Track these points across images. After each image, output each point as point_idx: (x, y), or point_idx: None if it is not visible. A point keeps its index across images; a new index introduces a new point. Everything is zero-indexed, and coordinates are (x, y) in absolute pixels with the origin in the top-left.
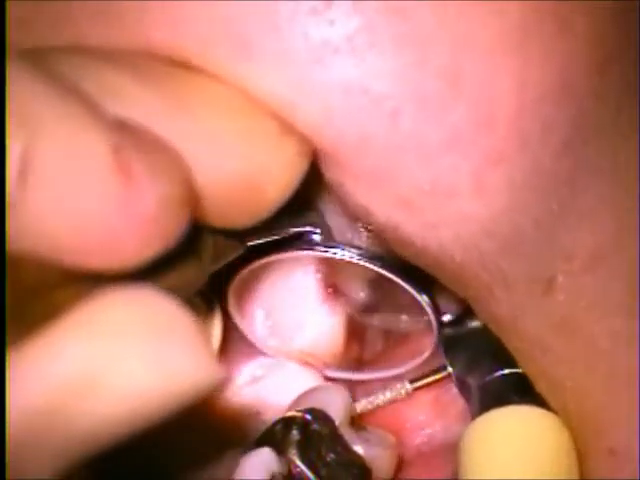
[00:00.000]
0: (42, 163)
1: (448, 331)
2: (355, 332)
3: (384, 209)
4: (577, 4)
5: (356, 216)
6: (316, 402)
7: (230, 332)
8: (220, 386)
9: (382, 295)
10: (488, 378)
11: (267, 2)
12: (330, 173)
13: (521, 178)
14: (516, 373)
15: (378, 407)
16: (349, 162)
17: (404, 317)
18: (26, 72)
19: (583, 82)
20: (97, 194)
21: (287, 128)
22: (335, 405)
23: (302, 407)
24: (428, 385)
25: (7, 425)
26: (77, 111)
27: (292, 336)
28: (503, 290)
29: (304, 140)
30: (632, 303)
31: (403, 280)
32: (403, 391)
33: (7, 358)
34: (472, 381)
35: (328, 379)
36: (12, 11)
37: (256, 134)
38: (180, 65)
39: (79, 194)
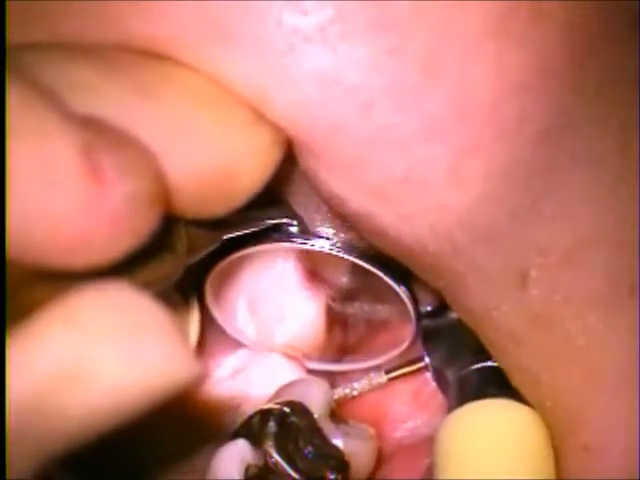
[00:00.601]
0: (12, 168)
1: (427, 322)
2: (335, 322)
3: (358, 199)
4: None
5: (330, 206)
6: (296, 395)
7: (210, 324)
8: (198, 381)
9: (362, 283)
10: (465, 371)
11: None
12: (304, 162)
13: (497, 169)
14: (494, 366)
15: (353, 397)
16: (323, 151)
17: (384, 306)
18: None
19: (561, 72)
20: (67, 194)
21: (260, 116)
22: (315, 398)
23: (282, 400)
24: (404, 375)
25: (7, 426)
26: (44, 110)
27: (273, 327)
28: (477, 282)
29: (277, 128)
30: (608, 299)
31: (380, 271)
32: (378, 381)
33: None
34: (449, 373)
35: (309, 371)
36: None
37: (228, 123)
38: (154, 55)
39: (50, 196)
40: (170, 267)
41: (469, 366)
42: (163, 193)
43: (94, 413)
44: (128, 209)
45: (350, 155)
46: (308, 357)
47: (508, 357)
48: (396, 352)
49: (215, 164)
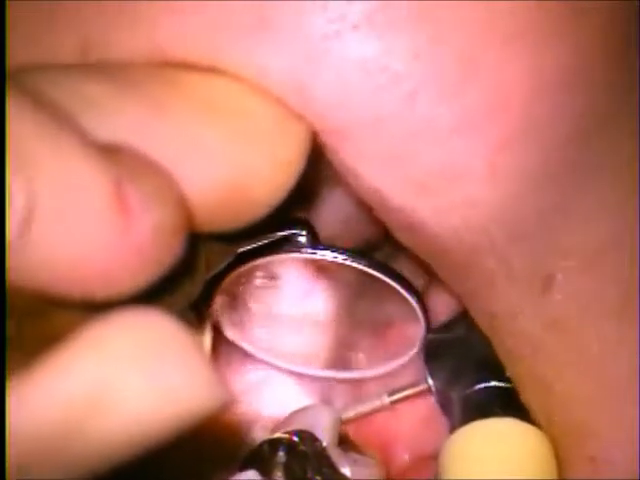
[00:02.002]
0: (44, 208)
1: (428, 343)
2: (343, 329)
3: (398, 192)
4: None
5: (366, 203)
6: (305, 422)
7: (220, 339)
8: (223, 407)
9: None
10: (469, 391)
11: None
12: (343, 156)
13: (530, 166)
14: (498, 386)
15: (355, 420)
16: (365, 143)
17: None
18: (14, 100)
19: (596, 70)
20: (95, 228)
21: (285, 121)
22: (323, 425)
23: (290, 427)
24: (407, 398)
25: (7, 428)
26: (72, 142)
27: (280, 334)
28: (505, 283)
29: (302, 136)
30: (623, 307)
31: (391, 279)
32: (381, 405)
33: (9, 381)
34: (452, 394)
35: (316, 379)
36: (11, 14)
37: (245, 136)
38: (178, 64)
39: (80, 233)
40: (190, 286)
41: (472, 386)
42: (186, 217)
43: (119, 439)
44: (154, 240)
45: (392, 147)
46: (315, 364)
47: (523, 365)
48: (402, 360)
49: (232, 179)
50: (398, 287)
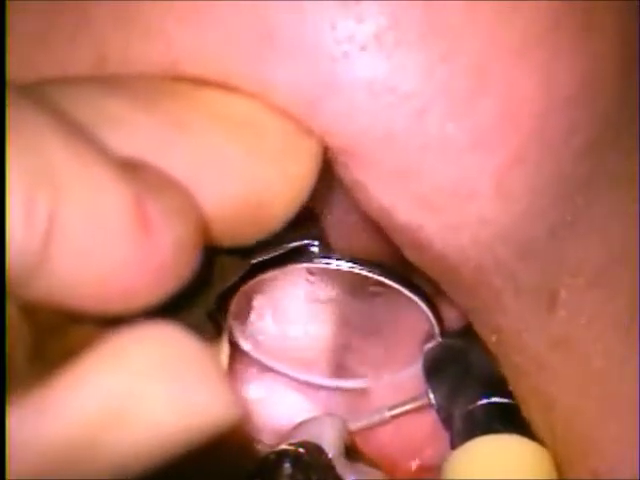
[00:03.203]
0: (66, 223)
1: (429, 358)
2: (349, 339)
3: (406, 210)
4: (604, 6)
5: (373, 220)
6: (310, 434)
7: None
8: (238, 422)
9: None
10: (471, 407)
11: None
12: (351, 173)
13: (542, 182)
14: (499, 402)
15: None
16: (373, 160)
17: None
18: (36, 115)
19: (608, 83)
20: (118, 247)
21: (297, 136)
22: (329, 437)
23: (296, 438)
24: (408, 412)
25: (7, 427)
26: (93, 159)
27: (285, 341)
28: (511, 300)
29: (314, 148)
30: (629, 324)
31: (405, 288)
32: (380, 419)
33: (29, 396)
34: (454, 409)
35: (322, 390)
36: (26, 28)
37: (260, 151)
38: (193, 78)
39: (101, 249)
40: (206, 298)
41: (474, 402)
42: (204, 232)
43: (136, 452)
44: (173, 256)
45: (400, 164)
46: (319, 371)
47: (527, 381)
48: (411, 370)
49: (247, 194)
50: (413, 296)
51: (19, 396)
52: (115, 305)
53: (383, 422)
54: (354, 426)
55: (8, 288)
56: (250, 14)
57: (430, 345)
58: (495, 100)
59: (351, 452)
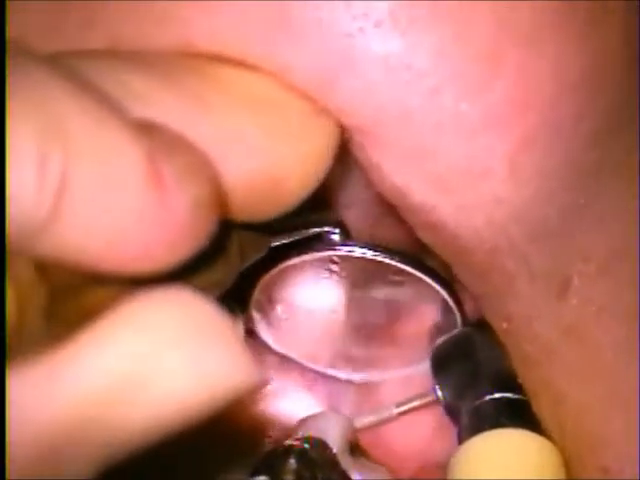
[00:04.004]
0: (78, 180)
1: (437, 353)
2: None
3: (420, 189)
4: None
5: (388, 201)
6: (316, 429)
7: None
8: (256, 387)
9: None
10: (479, 402)
11: None
12: (367, 152)
13: (552, 165)
14: (508, 398)
15: (363, 430)
16: (388, 139)
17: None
18: (50, 75)
19: (617, 72)
20: (131, 204)
21: (315, 113)
22: (334, 433)
23: (301, 434)
24: (415, 409)
25: (7, 426)
26: (107, 117)
27: (299, 329)
28: (525, 283)
29: (331, 130)
30: (637, 313)
31: (427, 276)
32: (387, 415)
33: (44, 358)
34: (461, 405)
35: (328, 384)
36: (35, 14)
37: (279, 128)
38: (210, 57)
39: (115, 206)
40: (222, 271)
41: (481, 398)
42: (219, 197)
43: (158, 417)
44: (189, 215)
45: (415, 143)
46: (334, 361)
47: (537, 372)
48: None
49: (264, 170)
50: (435, 284)
51: (33, 357)
52: (131, 265)
53: (390, 419)
54: (360, 423)
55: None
56: None
57: (438, 341)
58: (507, 82)
59: (355, 449)
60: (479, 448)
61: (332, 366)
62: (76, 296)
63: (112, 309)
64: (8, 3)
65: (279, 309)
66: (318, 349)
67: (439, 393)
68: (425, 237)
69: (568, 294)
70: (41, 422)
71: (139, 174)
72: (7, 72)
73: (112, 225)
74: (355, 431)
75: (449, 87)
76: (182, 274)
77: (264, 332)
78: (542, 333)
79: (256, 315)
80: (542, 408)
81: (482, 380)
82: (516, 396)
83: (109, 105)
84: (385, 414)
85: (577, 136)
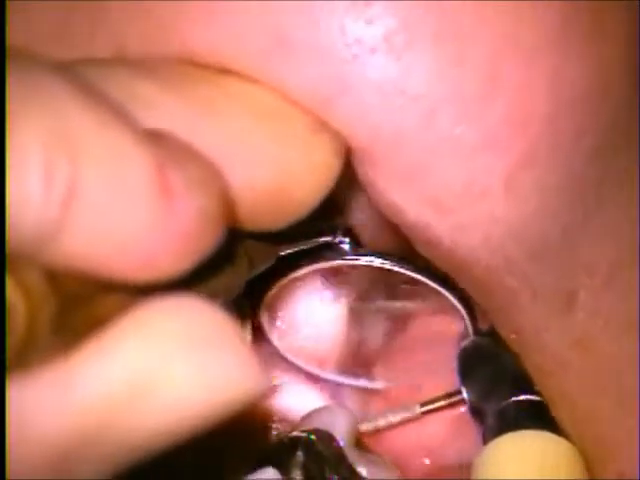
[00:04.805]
0: (86, 188)
1: (464, 354)
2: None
3: (415, 208)
4: (614, 8)
5: (386, 216)
6: (322, 423)
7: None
8: (264, 394)
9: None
10: (504, 403)
11: None
12: (363, 171)
13: (552, 182)
14: (532, 400)
15: (386, 428)
16: (383, 159)
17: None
18: (59, 83)
19: (617, 88)
20: (139, 213)
21: (320, 126)
22: (340, 426)
23: (308, 427)
24: (440, 409)
25: (7, 426)
26: (116, 125)
27: (303, 336)
28: (529, 299)
29: (337, 139)
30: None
31: (437, 284)
32: (412, 414)
33: (54, 366)
34: (486, 406)
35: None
36: (42, 24)
37: (287, 137)
38: (215, 69)
39: (123, 215)
40: (230, 280)
41: (507, 399)
42: (227, 208)
43: (165, 425)
44: (196, 225)
45: (410, 164)
46: (338, 372)
47: (551, 381)
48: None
49: (273, 178)
50: (446, 293)
51: (42, 366)
52: (138, 273)
53: (413, 418)
54: (384, 421)
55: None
56: (262, 16)
57: (465, 343)
58: (506, 102)
59: (360, 443)
60: (504, 448)
61: (339, 374)
62: (85, 305)
63: (120, 317)
64: (8, 3)
65: (288, 317)
66: (325, 357)
67: (465, 394)
68: (424, 252)
69: (575, 308)
70: (51, 429)
71: (147, 182)
72: (7, 73)
73: (120, 233)
74: (376, 429)
75: (445, 110)
76: (190, 282)
77: (273, 339)
78: (551, 345)
79: (266, 323)
80: (559, 413)
81: (507, 382)
82: (540, 399)
83: (117, 113)
84: (409, 413)
85: (577, 152)
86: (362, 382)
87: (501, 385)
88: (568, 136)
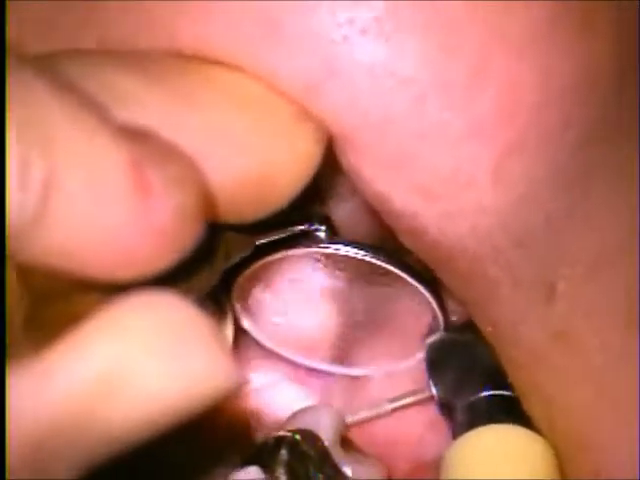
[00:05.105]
0: (64, 185)
1: (431, 350)
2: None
3: (402, 196)
4: (605, 9)
5: (371, 205)
6: (307, 422)
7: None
8: (237, 389)
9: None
10: (473, 398)
11: None
12: (349, 159)
13: (538, 172)
14: (503, 394)
15: (356, 425)
16: (370, 146)
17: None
18: (36, 79)
19: (606, 82)
20: (116, 209)
21: (303, 115)
22: (325, 426)
23: (293, 427)
24: (408, 406)
25: (7, 427)
26: (92, 122)
27: (286, 326)
28: (509, 291)
29: (319, 129)
30: (629, 318)
31: (410, 276)
32: (382, 411)
33: (27, 362)
34: (455, 401)
35: (319, 379)
36: (32, 13)
37: (268, 127)
38: (200, 58)
39: (99, 212)
40: (208, 273)
41: (476, 394)
42: (206, 204)
43: (136, 420)
44: (174, 223)
45: (397, 151)
46: (320, 359)
47: (526, 374)
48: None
49: (253, 169)
50: (418, 285)
51: (15, 363)
52: (115, 271)
53: (383, 415)
54: (353, 418)
55: (8, 262)
56: (251, 2)
57: (433, 338)
58: (494, 90)
59: (346, 442)
60: (473, 443)
61: (322, 361)
62: (60, 303)
63: (91, 315)
64: (8, 3)
65: (266, 304)
66: (307, 345)
67: (433, 390)
68: (407, 242)
69: (555, 299)
70: (26, 422)
71: (124, 180)
72: (7, 74)
73: (97, 231)
74: (347, 426)
75: (434, 95)
76: (167, 278)
77: (251, 329)
78: (528, 337)
79: (242, 311)
80: (532, 408)
81: (477, 377)
82: (511, 393)
83: (94, 108)
84: (378, 410)
85: (564, 143)
86: (346, 370)
87: (470, 380)
88: (556, 126)
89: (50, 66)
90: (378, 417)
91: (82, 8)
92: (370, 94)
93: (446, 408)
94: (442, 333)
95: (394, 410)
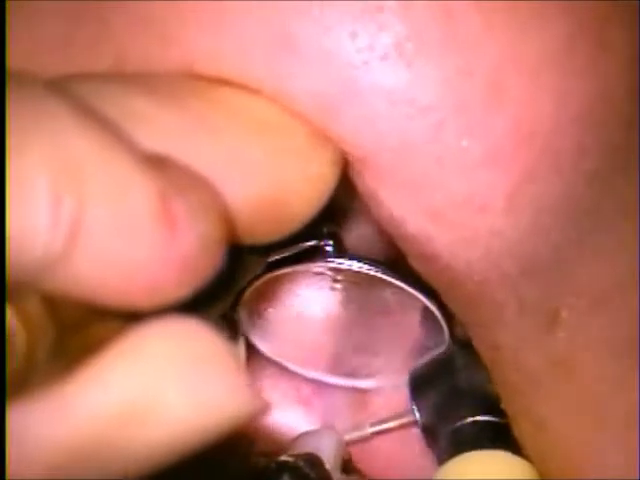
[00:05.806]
0: (91, 221)
1: (415, 375)
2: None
3: (416, 220)
4: (619, 28)
5: (383, 228)
6: (309, 446)
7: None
8: (257, 417)
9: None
10: (459, 424)
11: (314, 2)
12: (364, 181)
13: (550, 201)
14: (487, 421)
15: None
16: (387, 169)
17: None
18: (65, 111)
19: (619, 107)
20: (142, 243)
21: (319, 138)
22: (327, 450)
23: (295, 451)
24: (390, 430)
25: (7, 426)
26: (118, 151)
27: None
28: (514, 313)
29: (335, 152)
30: (628, 351)
31: (418, 292)
32: (362, 435)
33: (49, 390)
34: (440, 427)
35: (320, 399)
36: (46, 29)
37: (283, 150)
38: (216, 79)
39: (125, 245)
40: (226, 296)
41: (463, 420)
42: (228, 228)
43: (157, 448)
44: (198, 252)
45: (414, 175)
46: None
47: (520, 400)
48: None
49: (269, 193)
50: (425, 300)
51: (40, 392)
52: (139, 301)
53: (365, 439)
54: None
55: (8, 288)
56: (269, 20)
57: (416, 364)
58: (510, 116)
59: (348, 466)
60: (460, 469)
61: (327, 373)
62: (82, 331)
63: (113, 343)
64: (8, 3)
65: (272, 317)
66: (312, 357)
67: (417, 414)
68: (418, 266)
69: (556, 327)
70: (48, 449)
71: (151, 212)
72: (7, 74)
73: (123, 263)
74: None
75: (452, 121)
76: (187, 303)
77: (258, 341)
78: (529, 363)
79: (249, 325)
80: (523, 434)
81: (463, 402)
82: (497, 419)
83: (117, 135)
84: (359, 433)
85: (578, 171)
86: (352, 382)
87: (456, 405)
88: (569, 155)
89: (67, 89)
90: (360, 441)
91: (97, 23)
92: (389, 119)
93: (429, 433)
94: (426, 359)
95: (374, 434)
